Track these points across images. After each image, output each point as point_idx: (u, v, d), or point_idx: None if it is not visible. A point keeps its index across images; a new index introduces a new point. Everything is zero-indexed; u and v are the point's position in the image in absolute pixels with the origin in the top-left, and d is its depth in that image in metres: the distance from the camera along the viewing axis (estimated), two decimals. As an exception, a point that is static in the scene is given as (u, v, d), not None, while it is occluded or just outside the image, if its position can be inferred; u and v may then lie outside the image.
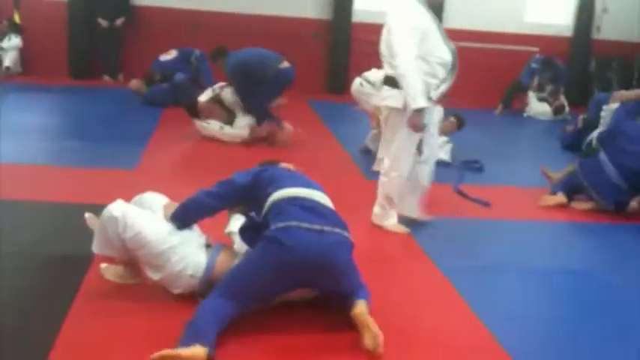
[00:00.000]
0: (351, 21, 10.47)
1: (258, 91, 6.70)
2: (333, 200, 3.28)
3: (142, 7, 10.07)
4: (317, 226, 2.95)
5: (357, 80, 6.52)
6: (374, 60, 10.03)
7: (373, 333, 2.83)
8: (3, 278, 3.39)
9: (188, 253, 3.14)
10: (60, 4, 9.73)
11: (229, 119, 6.85)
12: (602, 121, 6.73)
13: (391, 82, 4.23)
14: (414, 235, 4.40)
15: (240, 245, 3.21)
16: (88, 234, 3.88)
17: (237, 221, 3.36)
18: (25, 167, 5.38)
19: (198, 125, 6.78)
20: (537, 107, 9.78)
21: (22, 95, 8.68)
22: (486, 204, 5.21)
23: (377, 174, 5.83)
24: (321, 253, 2.90)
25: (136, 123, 7.51)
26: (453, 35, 10.67)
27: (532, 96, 9.94)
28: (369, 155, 6.46)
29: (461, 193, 5.50)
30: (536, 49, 10.91)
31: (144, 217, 3.19)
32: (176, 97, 8.05)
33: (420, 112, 4.09)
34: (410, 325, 3.19)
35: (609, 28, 10.99)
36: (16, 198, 4.55)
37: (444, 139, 6.43)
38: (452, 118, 6.60)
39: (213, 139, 6.72)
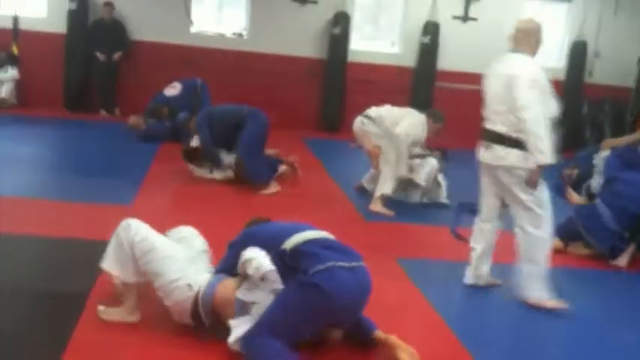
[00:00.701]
0: (347, 60, 10.55)
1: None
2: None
3: (139, 42, 10.12)
4: (347, 263, 3.08)
5: (359, 118, 6.53)
6: (368, 98, 10.28)
7: (410, 351, 3.12)
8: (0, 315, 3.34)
9: (190, 269, 3.28)
10: (58, 37, 9.78)
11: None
12: (595, 169, 6.86)
13: (507, 140, 4.09)
14: (413, 280, 4.38)
15: (255, 271, 3.13)
16: (84, 269, 3.88)
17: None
18: (20, 200, 5.34)
19: (191, 167, 6.76)
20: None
21: (16, 127, 8.65)
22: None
23: (374, 215, 5.89)
24: (359, 294, 3.11)
25: (131, 158, 7.49)
26: (445, 77, 10.96)
27: None
28: (365, 195, 6.46)
29: (458, 236, 5.48)
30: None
31: (152, 231, 3.38)
32: (175, 135, 8.03)
33: (543, 168, 3.97)
34: None
35: (601, 72, 11.16)
36: (11, 231, 4.51)
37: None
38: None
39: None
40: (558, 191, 7.44)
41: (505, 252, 5.18)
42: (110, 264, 3.35)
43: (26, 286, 3.70)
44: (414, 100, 10.43)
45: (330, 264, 3.01)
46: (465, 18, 10.86)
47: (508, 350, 3.62)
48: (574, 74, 11.11)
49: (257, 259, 3.11)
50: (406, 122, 6.13)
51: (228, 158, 6.67)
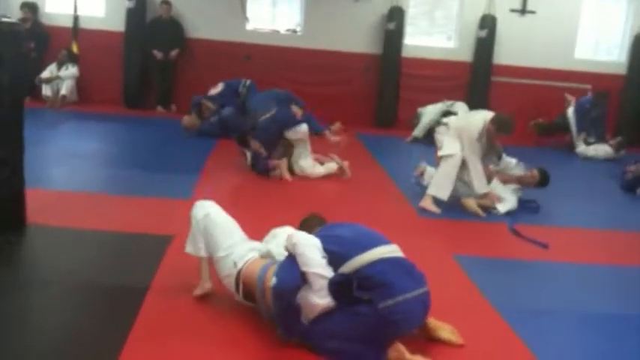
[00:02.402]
0: (401, 55, 10.46)
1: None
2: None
3: (195, 40, 10.26)
4: (416, 292, 3.07)
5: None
6: (423, 94, 10.20)
7: (449, 328, 3.29)
8: (62, 308, 3.42)
9: (244, 248, 3.49)
10: (117, 35, 9.99)
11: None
12: None
13: None
14: (471, 277, 4.30)
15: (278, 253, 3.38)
16: (144, 263, 3.95)
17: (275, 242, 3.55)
18: (83, 195, 5.47)
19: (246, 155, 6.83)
20: (593, 148, 9.53)
21: (77, 123, 8.90)
22: (544, 245, 5.08)
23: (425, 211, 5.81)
24: (422, 318, 3.19)
25: (189, 152, 7.59)
26: (502, 71, 10.76)
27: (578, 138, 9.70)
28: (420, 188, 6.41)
29: (516, 233, 5.38)
30: (588, 86, 10.75)
31: (218, 209, 3.67)
32: (225, 130, 8.12)
33: None
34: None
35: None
36: (74, 226, 4.62)
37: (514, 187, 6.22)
38: (535, 171, 6.24)
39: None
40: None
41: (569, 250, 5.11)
42: (187, 244, 3.66)
43: (87, 280, 3.77)
44: (470, 96, 10.29)
45: (400, 298, 3.00)
46: (523, 11, 10.63)
47: (569, 348, 3.50)
48: (635, 68, 10.75)
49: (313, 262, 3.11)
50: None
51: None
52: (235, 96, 8.63)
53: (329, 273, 3.10)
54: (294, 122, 6.77)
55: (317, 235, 3.28)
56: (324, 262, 3.12)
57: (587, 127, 9.65)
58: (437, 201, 5.90)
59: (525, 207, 6.18)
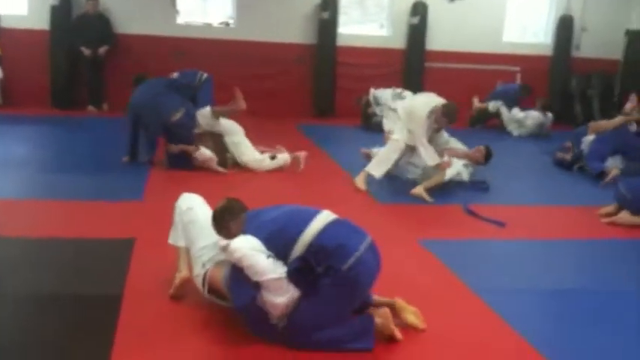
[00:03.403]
0: (336, 45, 10.46)
1: None
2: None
3: (125, 35, 9.92)
4: (365, 243, 3.10)
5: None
6: (359, 82, 10.25)
7: (413, 310, 3.32)
8: (34, 324, 3.23)
9: (214, 250, 3.34)
10: (42, 33, 9.54)
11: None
12: (583, 153, 7.25)
13: None
14: (441, 260, 4.34)
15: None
16: (111, 270, 3.80)
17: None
18: (26, 202, 5.20)
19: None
20: (523, 115, 9.83)
21: (3, 127, 8.41)
22: (501, 224, 5.19)
23: (391, 197, 5.85)
24: (378, 269, 3.17)
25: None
26: (434, 57, 10.92)
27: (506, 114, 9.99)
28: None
29: (473, 214, 5.48)
30: (517, 68, 11.08)
31: (203, 205, 3.62)
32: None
33: None
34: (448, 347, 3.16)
35: (588, 46, 11.20)
36: (24, 235, 4.38)
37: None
38: (481, 147, 6.32)
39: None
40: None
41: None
42: (170, 235, 3.66)
43: (54, 292, 3.59)
44: (405, 82, 10.39)
45: (357, 254, 3.02)
46: (452, -3, 10.81)
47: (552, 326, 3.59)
48: (561, 49, 11.14)
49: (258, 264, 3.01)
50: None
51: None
52: (188, 88, 8.37)
53: (282, 270, 3.03)
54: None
55: (251, 230, 3.15)
56: (272, 262, 3.02)
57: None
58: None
59: (476, 187, 6.32)
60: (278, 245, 3.09)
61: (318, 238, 3.06)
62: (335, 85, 10.51)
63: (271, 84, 10.36)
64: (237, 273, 3.06)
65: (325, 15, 10.26)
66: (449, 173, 6.17)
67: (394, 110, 6.35)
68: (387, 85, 9.92)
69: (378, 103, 9.38)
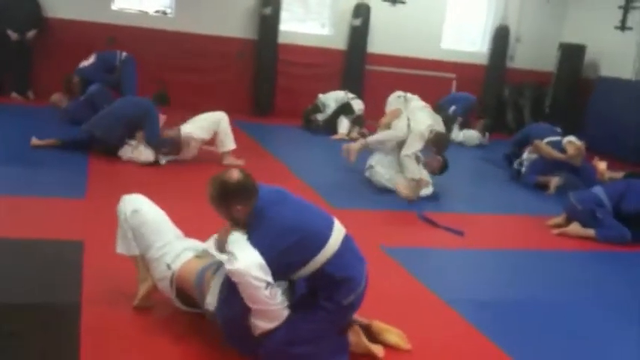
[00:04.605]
0: (277, 42, 10.24)
1: None
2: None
3: (54, 20, 9.35)
4: (365, 273, 3.00)
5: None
6: (300, 81, 10.10)
7: (397, 332, 3.18)
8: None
9: (177, 247, 3.20)
10: (-38, 13, 8.85)
11: None
12: (523, 170, 7.39)
13: None
14: (407, 269, 4.25)
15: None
16: (62, 275, 3.53)
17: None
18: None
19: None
20: (466, 134, 9.87)
21: None
22: (460, 233, 5.16)
23: (345, 201, 5.73)
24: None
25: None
26: (375, 60, 10.91)
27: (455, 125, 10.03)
28: (326, 179, 6.29)
29: (430, 222, 5.42)
30: (453, 75, 11.22)
31: (149, 204, 3.32)
32: (95, 109, 7.42)
33: None
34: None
35: (522, 56, 11.49)
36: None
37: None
38: (439, 158, 6.35)
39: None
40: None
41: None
42: (118, 244, 3.30)
43: (5, 300, 3.22)
44: (344, 84, 10.32)
45: (359, 290, 2.92)
46: (394, 0, 10.80)
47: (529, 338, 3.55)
48: (496, 59, 11.37)
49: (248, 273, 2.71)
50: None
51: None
52: (109, 71, 7.98)
53: (279, 299, 2.81)
54: None
55: (268, 236, 2.82)
56: (272, 293, 2.76)
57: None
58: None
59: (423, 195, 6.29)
60: (290, 261, 2.84)
61: (328, 264, 2.84)
62: (275, 84, 10.29)
63: (208, 78, 10.05)
64: (229, 289, 2.81)
65: (267, 10, 10.02)
66: (423, 192, 6.16)
67: (403, 96, 6.66)
68: (329, 86, 9.89)
69: (322, 110, 9.34)
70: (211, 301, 2.92)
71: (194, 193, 5.46)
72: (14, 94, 9.18)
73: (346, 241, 2.95)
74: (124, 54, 8.32)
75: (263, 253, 2.73)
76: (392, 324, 3.32)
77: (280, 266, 2.78)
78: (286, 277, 2.91)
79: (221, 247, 2.92)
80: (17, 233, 4.09)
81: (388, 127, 6.41)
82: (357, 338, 3.04)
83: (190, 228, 3.49)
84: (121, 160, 6.29)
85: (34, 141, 6.39)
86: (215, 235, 3.06)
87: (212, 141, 6.69)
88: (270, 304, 2.75)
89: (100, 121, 6.41)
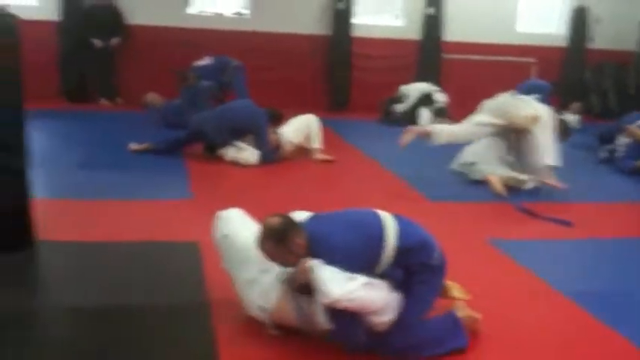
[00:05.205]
0: (351, 36, 10.25)
1: None
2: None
3: (135, 27, 9.60)
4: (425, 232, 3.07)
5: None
6: (375, 74, 10.08)
7: (457, 286, 3.25)
8: (117, 337, 3.01)
9: (263, 282, 3.02)
10: (51, 25, 9.20)
11: None
12: (617, 154, 7.20)
13: None
14: (515, 258, 4.20)
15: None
16: (183, 277, 3.68)
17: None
18: (71, 202, 4.92)
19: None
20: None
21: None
22: (567, 223, 5.04)
23: (440, 194, 5.67)
24: None
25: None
26: (451, 48, 10.74)
27: None
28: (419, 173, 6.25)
29: (529, 212, 5.32)
30: (531, 59, 10.96)
31: (241, 225, 3.19)
32: (192, 101, 7.74)
33: None
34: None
35: (601, 37, 11.12)
36: (80, 239, 4.14)
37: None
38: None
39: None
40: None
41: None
42: (222, 260, 3.26)
43: (129, 303, 3.34)
44: (420, 74, 10.24)
45: (437, 245, 2.99)
46: (469, -13, 10.64)
47: None
48: (575, 40, 11.06)
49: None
50: None
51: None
52: (220, 74, 8.17)
53: (385, 290, 2.84)
54: None
55: (337, 258, 2.77)
56: (373, 289, 2.78)
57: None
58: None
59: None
60: (368, 261, 2.86)
61: (400, 240, 2.88)
62: (350, 77, 10.30)
63: (285, 76, 10.12)
64: (334, 312, 2.82)
65: (341, 5, 10.05)
66: (531, 183, 5.94)
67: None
68: (404, 77, 9.85)
69: (402, 102, 9.30)
70: (323, 320, 2.89)
71: (299, 188, 5.74)
72: (103, 100, 9.49)
73: (397, 217, 3.00)
74: (236, 62, 8.54)
75: (343, 267, 2.74)
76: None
77: (362, 270, 2.80)
78: (368, 269, 2.87)
79: (293, 284, 2.91)
80: (131, 236, 4.23)
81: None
82: (467, 312, 3.14)
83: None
84: (218, 160, 6.43)
85: (133, 146, 6.60)
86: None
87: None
88: (379, 299, 2.78)
89: (212, 119, 6.54)
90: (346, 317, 2.81)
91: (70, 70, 9.33)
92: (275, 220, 2.83)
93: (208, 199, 5.04)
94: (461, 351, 2.97)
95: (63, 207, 4.79)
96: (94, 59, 9.34)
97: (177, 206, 4.97)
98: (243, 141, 6.49)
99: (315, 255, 2.78)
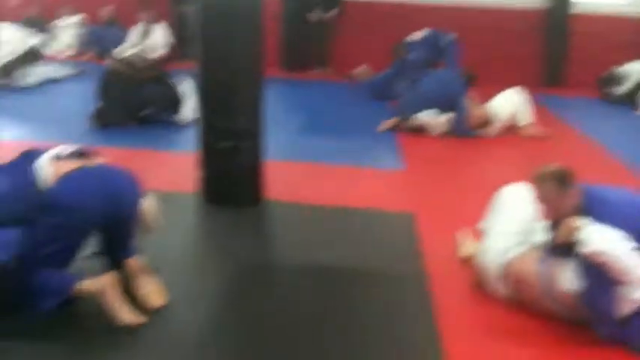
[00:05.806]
0: (569, 12, 9.73)
1: None
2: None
3: (351, 2, 9.96)
4: None
5: None
6: (595, 53, 9.47)
7: None
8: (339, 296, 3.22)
9: (510, 240, 3.14)
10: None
11: None
12: None
13: None
14: None
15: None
16: (400, 247, 3.77)
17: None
18: (291, 165, 5.21)
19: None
20: None
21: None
22: None
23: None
24: None
25: (368, 117, 7.07)
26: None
27: None
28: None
29: None
30: None
31: (515, 195, 3.35)
32: (401, 73, 7.86)
33: None
34: None
35: None
36: (301, 201, 4.40)
37: None
38: None
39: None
40: None
41: None
42: None
43: (353, 266, 3.52)
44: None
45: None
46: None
47: None
48: None
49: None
50: None
51: None
52: (432, 48, 8.20)
53: None
54: None
55: (613, 220, 2.71)
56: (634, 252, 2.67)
57: None
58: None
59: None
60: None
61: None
62: (567, 55, 9.81)
63: (498, 52, 9.87)
64: (588, 272, 2.75)
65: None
66: None
67: None
68: (624, 56, 9.16)
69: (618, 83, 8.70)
70: (567, 282, 2.82)
71: (512, 164, 5.62)
72: (316, 70, 9.98)
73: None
74: (451, 36, 8.33)
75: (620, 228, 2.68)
76: None
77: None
78: None
79: (556, 240, 2.85)
80: (348, 202, 4.43)
81: None
82: None
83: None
84: (426, 134, 6.46)
85: (382, 126, 6.67)
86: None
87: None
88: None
89: (410, 106, 6.61)
90: (597, 279, 2.71)
91: (289, 41, 9.96)
92: (557, 165, 2.89)
93: (420, 172, 5.15)
94: None
95: (286, 169, 5.11)
96: (311, 31, 9.85)
97: (391, 176, 5.12)
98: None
99: (587, 213, 2.76)
